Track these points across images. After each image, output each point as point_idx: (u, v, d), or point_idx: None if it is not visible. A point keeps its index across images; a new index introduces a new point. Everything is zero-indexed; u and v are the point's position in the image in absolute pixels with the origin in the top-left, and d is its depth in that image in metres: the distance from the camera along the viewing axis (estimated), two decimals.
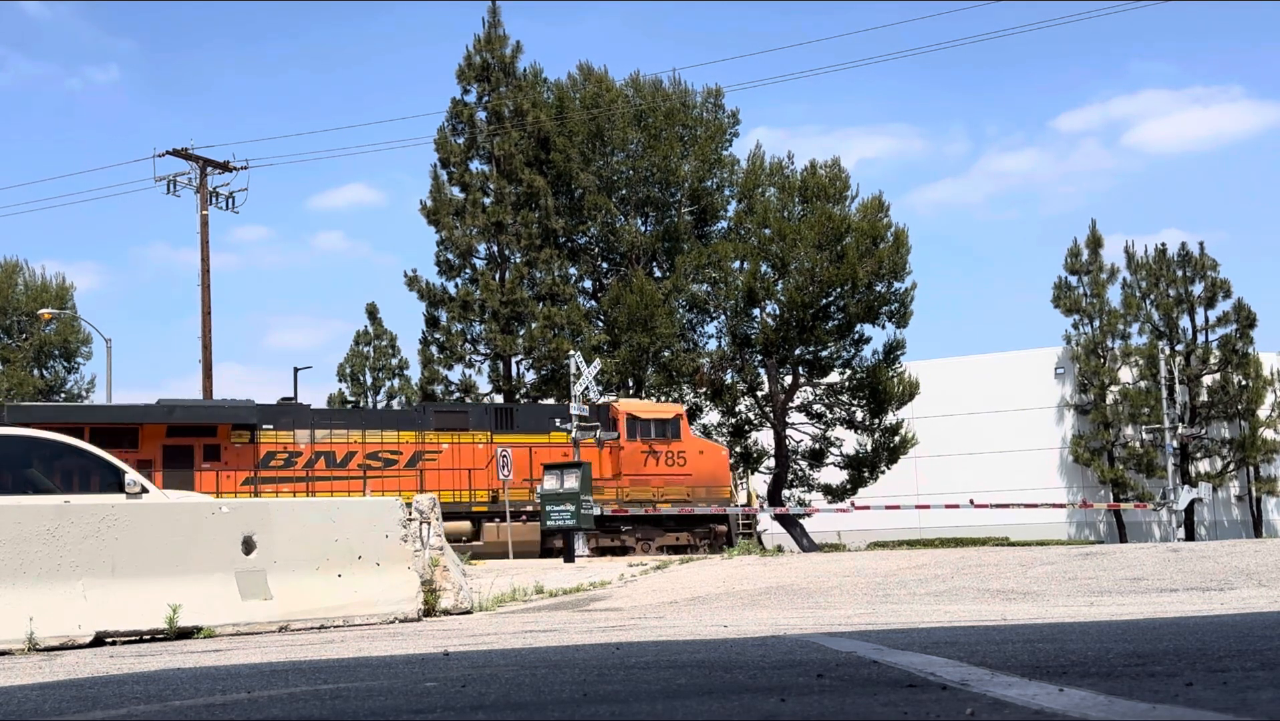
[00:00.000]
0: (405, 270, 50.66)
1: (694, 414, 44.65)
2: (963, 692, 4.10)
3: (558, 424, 31.31)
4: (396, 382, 56.24)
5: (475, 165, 44.22)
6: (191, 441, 28.94)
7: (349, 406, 31.98)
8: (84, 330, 53.23)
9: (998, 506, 39.18)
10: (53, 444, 11.85)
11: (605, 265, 46.60)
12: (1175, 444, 47.49)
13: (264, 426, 29.53)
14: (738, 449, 43.27)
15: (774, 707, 3.91)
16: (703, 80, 73.74)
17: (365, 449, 30.26)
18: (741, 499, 33.92)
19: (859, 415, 44.94)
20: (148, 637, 8.54)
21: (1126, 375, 52.48)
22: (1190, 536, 48.61)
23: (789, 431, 43.92)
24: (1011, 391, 54.76)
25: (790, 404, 44.64)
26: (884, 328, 45.43)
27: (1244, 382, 51.79)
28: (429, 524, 10.70)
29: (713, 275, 44.38)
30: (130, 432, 28.42)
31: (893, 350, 45.55)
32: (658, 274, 45.02)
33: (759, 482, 44.06)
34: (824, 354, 45.08)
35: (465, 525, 29.75)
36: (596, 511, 29.49)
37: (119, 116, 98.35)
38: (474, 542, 29.48)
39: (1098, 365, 52.34)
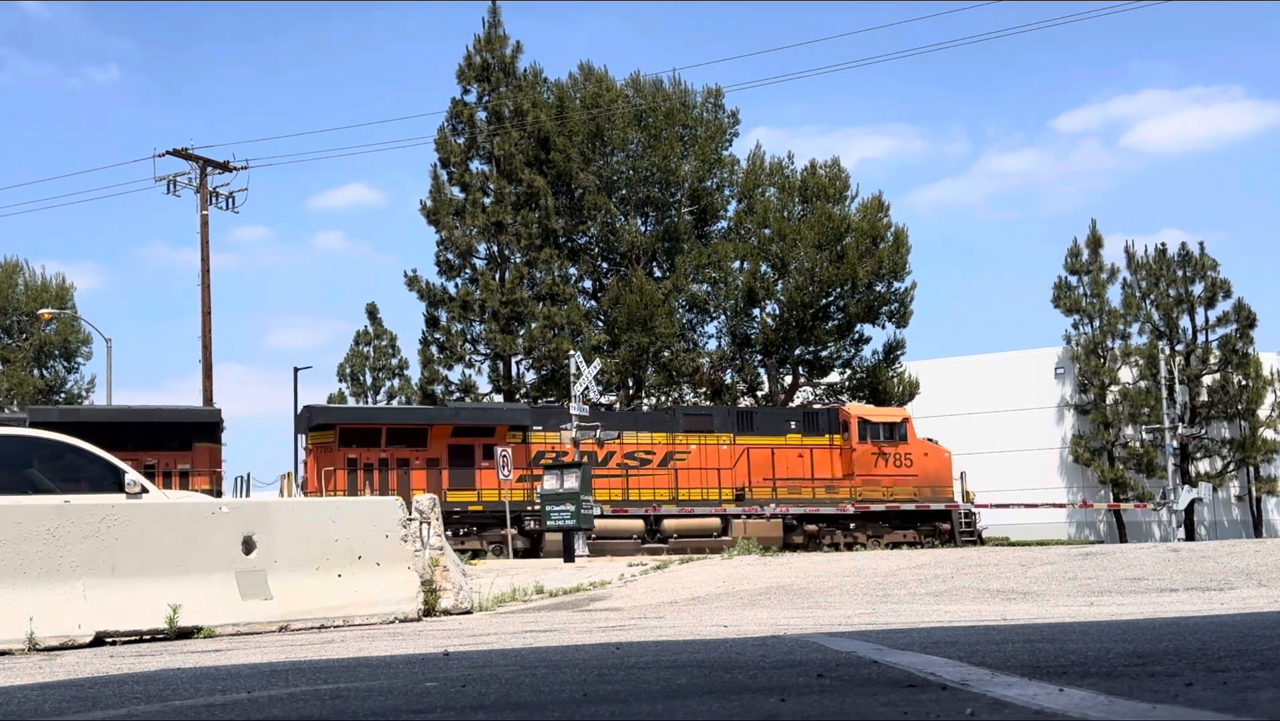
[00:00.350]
0: (405, 270, 50.72)
1: None
2: (963, 692, 4.10)
3: (791, 426, 33.44)
4: (396, 383, 56.23)
5: (475, 165, 44.22)
6: (473, 441, 30.68)
7: (604, 408, 33.72)
8: (84, 330, 53.25)
9: (998, 506, 39.24)
10: (53, 444, 11.84)
11: (605, 265, 46.60)
12: (1175, 444, 47.50)
13: (534, 427, 31.44)
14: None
15: (774, 707, 3.91)
16: (703, 80, 73.76)
17: (623, 449, 31.99)
18: (959, 498, 35.26)
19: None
20: (148, 637, 8.54)
21: (1126, 375, 52.49)
22: (1190, 536, 48.60)
23: None
24: (1011, 391, 54.79)
25: (790, 403, 44.66)
26: (884, 327, 45.54)
27: (1244, 382, 51.80)
28: (429, 524, 10.69)
29: (713, 275, 44.40)
30: (420, 433, 30.46)
31: (893, 350, 45.60)
32: (658, 274, 45.03)
33: None
34: (824, 354, 45.12)
35: (714, 521, 31.56)
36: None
37: (119, 116, 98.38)
38: (722, 538, 30.96)
39: (1098, 365, 52.34)
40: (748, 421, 33.36)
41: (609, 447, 31.61)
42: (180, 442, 29.31)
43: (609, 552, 27.43)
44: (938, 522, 33.78)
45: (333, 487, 28.54)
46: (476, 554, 28.74)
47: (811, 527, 32.55)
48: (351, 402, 55.66)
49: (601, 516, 29.72)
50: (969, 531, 34.24)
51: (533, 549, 29.95)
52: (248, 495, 31.94)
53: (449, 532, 28.70)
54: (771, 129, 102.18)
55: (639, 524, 31.16)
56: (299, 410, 34.10)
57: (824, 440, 33.47)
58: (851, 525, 33.00)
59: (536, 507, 29.62)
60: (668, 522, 31.18)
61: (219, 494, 29.52)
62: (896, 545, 31.77)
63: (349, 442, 29.85)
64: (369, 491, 29.20)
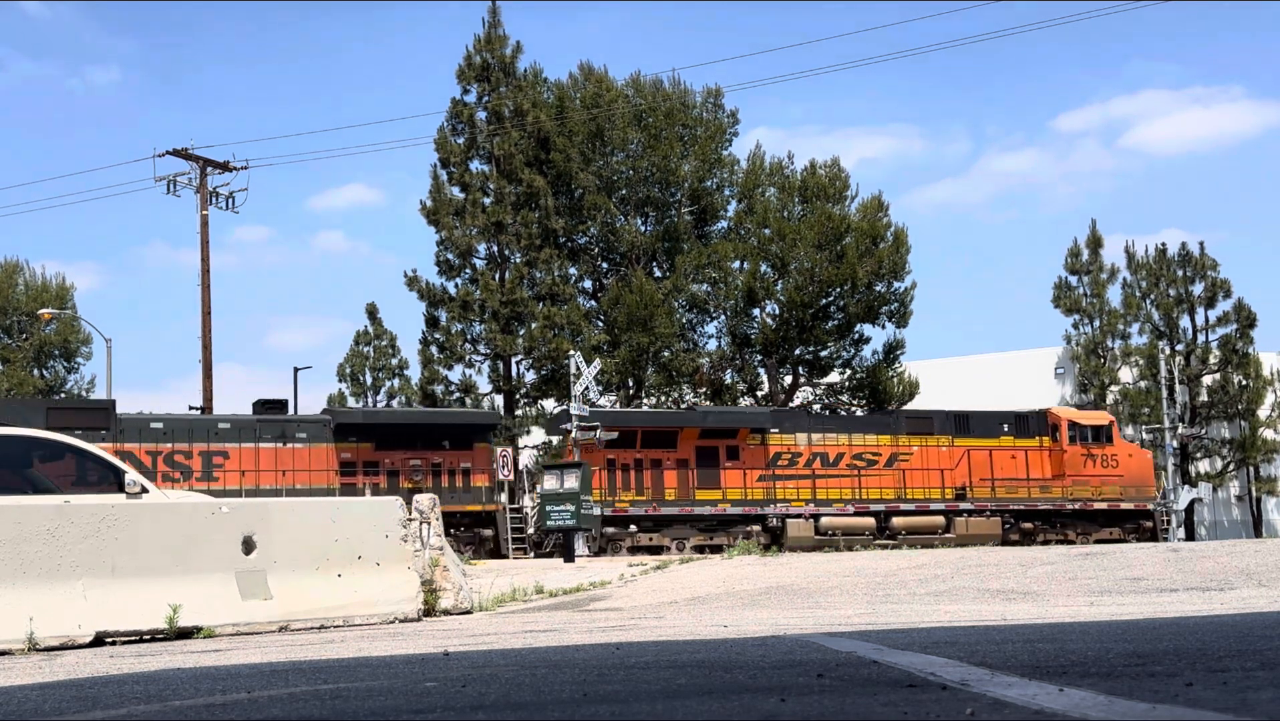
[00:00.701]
0: (405, 270, 50.68)
1: None
2: (963, 692, 4.10)
3: (1004, 429, 35.09)
4: (396, 383, 56.18)
5: (475, 165, 44.18)
6: (717, 443, 32.61)
7: (830, 411, 35.25)
8: (84, 330, 53.21)
9: None
10: (53, 444, 11.84)
11: (605, 265, 46.57)
12: (1175, 444, 47.47)
13: (772, 430, 33.21)
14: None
15: (774, 707, 3.91)
16: (703, 80, 73.72)
17: (851, 450, 33.87)
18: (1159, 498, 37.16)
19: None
20: (148, 637, 8.54)
21: (1126, 375, 52.46)
22: (1190, 536, 48.59)
23: None
24: (1011, 391, 54.71)
25: (790, 404, 44.66)
26: (884, 327, 45.52)
27: (1244, 382, 51.77)
28: (429, 524, 10.69)
29: (713, 275, 44.37)
30: (672, 435, 32.45)
31: (893, 350, 45.58)
32: (658, 274, 45.00)
33: None
34: (824, 354, 45.09)
35: (939, 519, 33.37)
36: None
37: (119, 116, 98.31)
38: (946, 535, 32.91)
39: (1098, 365, 52.32)
40: (964, 424, 35.04)
41: (840, 449, 33.70)
42: (463, 443, 31.51)
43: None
44: (1141, 521, 35.45)
45: (597, 485, 30.56)
46: (721, 549, 30.23)
47: (1028, 525, 34.30)
48: (351, 403, 55.67)
49: (837, 515, 32.46)
50: (1167, 530, 36.37)
51: (774, 542, 31.60)
52: (533, 489, 33.96)
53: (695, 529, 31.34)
54: (771, 129, 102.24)
55: (871, 521, 32.90)
56: (555, 412, 37.01)
57: (1035, 442, 35.26)
58: (1059, 523, 34.86)
59: (778, 508, 32.10)
60: (897, 520, 33.07)
61: (496, 490, 32.16)
62: (1104, 542, 33.16)
63: (609, 444, 31.63)
64: (629, 490, 31.83)
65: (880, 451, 33.92)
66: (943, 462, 34.13)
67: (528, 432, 44.48)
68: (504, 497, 31.91)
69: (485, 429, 33.22)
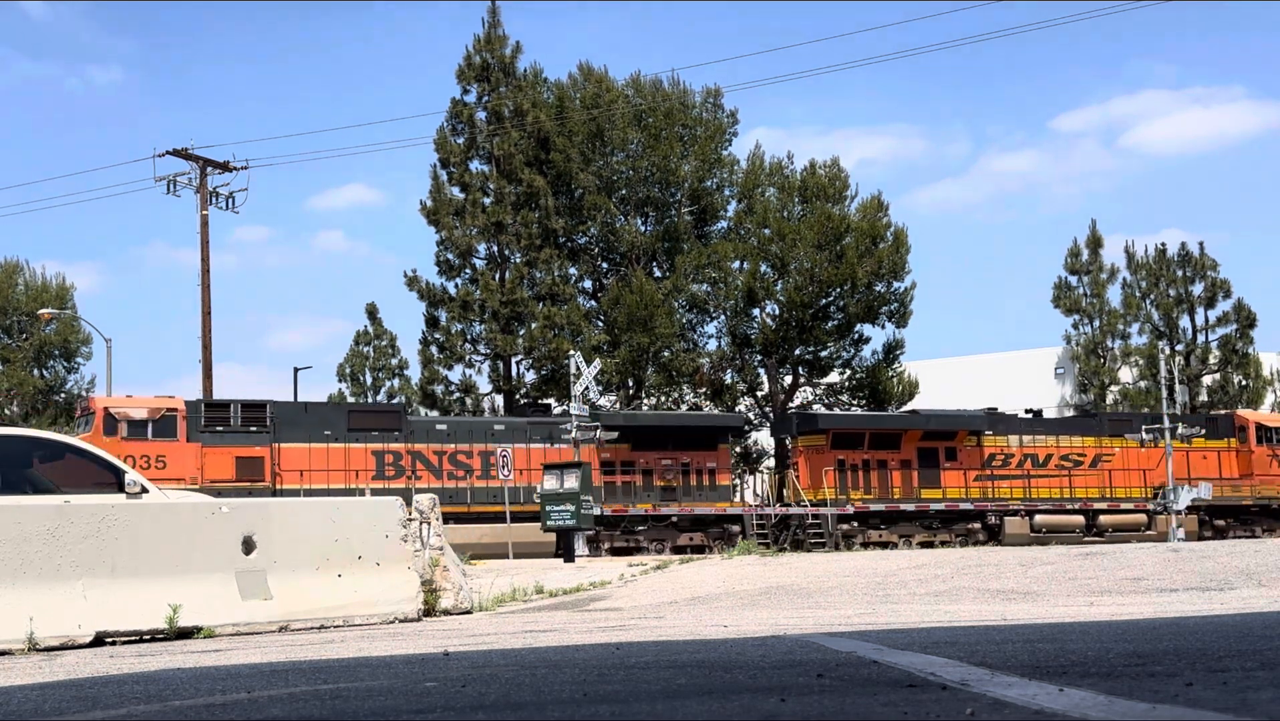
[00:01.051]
0: (405, 270, 50.65)
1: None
2: (963, 692, 4.10)
3: (1196, 431, 37.14)
4: (396, 383, 56.18)
5: (475, 165, 44.16)
6: (937, 445, 34.58)
7: (1032, 414, 37.03)
8: (84, 330, 53.16)
9: None
10: (53, 444, 11.83)
11: (605, 265, 46.55)
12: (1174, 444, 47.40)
13: (986, 432, 35.10)
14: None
15: (774, 707, 3.91)
16: (702, 80, 73.73)
17: (1059, 451, 35.77)
18: None
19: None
20: (148, 637, 8.54)
21: (1126, 375, 52.45)
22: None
23: None
24: (1011, 391, 54.73)
25: (790, 404, 44.64)
26: (884, 327, 45.51)
27: (1244, 382, 51.75)
28: (429, 524, 10.69)
29: (713, 275, 44.35)
30: (896, 437, 34.33)
31: (892, 350, 45.57)
32: (658, 274, 44.98)
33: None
34: (824, 354, 45.07)
35: (1142, 517, 35.50)
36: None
37: (119, 116, 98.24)
38: (1148, 531, 34.61)
39: (1098, 365, 52.31)
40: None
41: (1048, 450, 35.50)
42: (709, 443, 33.35)
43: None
44: None
45: (831, 483, 32.89)
46: (943, 544, 31.89)
47: (1220, 522, 36.46)
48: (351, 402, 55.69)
49: (1046, 512, 34.35)
50: None
51: (991, 538, 33.11)
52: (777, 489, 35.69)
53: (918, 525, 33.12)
54: (771, 129, 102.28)
55: (1080, 519, 34.82)
56: (783, 415, 39.25)
57: (1224, 443, 37.79)
58: (1247, 520, 37.03)
59: (994, 506, 33.15)
60: (1103, 518, 35.01)
61: (739, 487, 34.16)
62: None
63: (839, 446, 33.69)
64: (858, 489, 33.43)
65: (1085, 452, 35.82)
66: (1142, 463, 36.07)
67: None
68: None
69: (728, 430, 35.49)
